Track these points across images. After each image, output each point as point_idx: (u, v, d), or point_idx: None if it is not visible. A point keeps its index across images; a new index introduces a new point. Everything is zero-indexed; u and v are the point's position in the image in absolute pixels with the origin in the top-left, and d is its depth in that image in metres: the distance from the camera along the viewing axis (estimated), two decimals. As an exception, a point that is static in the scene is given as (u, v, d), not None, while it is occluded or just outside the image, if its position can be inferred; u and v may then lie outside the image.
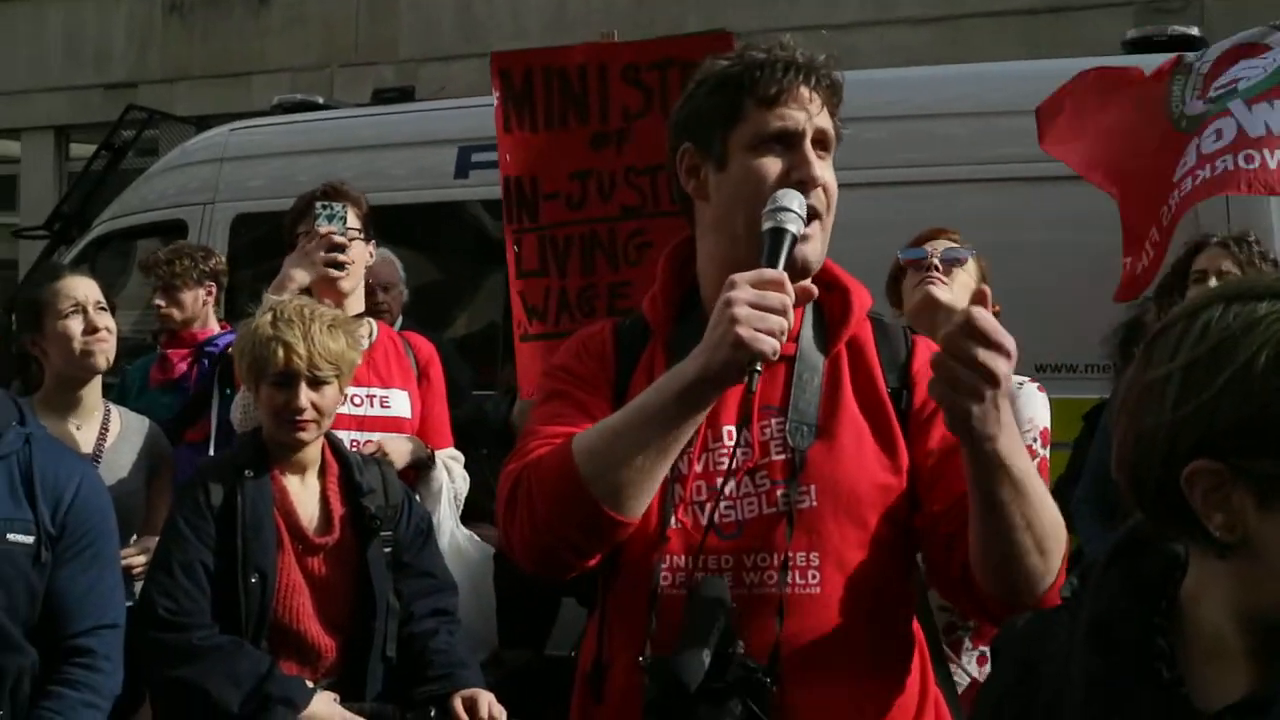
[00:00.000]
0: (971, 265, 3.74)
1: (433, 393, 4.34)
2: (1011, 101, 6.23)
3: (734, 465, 2.17)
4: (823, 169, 2.17)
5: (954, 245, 3.73)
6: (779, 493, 2.16)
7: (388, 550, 3.45)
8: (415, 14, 13.82)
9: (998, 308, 3.78)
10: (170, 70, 14.85)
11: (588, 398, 2.25)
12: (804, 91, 2.17)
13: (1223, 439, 1.27)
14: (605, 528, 2.08)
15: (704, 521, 2.15)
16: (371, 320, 4.29)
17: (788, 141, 2.16)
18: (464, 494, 4.28)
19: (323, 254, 4.04)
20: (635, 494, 2.06)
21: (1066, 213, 5.58)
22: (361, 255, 4.20)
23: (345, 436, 3.80)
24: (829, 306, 2.31)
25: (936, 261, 3.68)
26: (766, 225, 2.08)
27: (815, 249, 2.17)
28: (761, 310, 1.93)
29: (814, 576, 2.13)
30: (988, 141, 6.14)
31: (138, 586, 3.76)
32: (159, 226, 8.31)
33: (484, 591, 4.15)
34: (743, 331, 1.91)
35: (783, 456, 2.18)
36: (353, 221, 4.15)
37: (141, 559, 3.90)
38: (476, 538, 4.40)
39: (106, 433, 4.10)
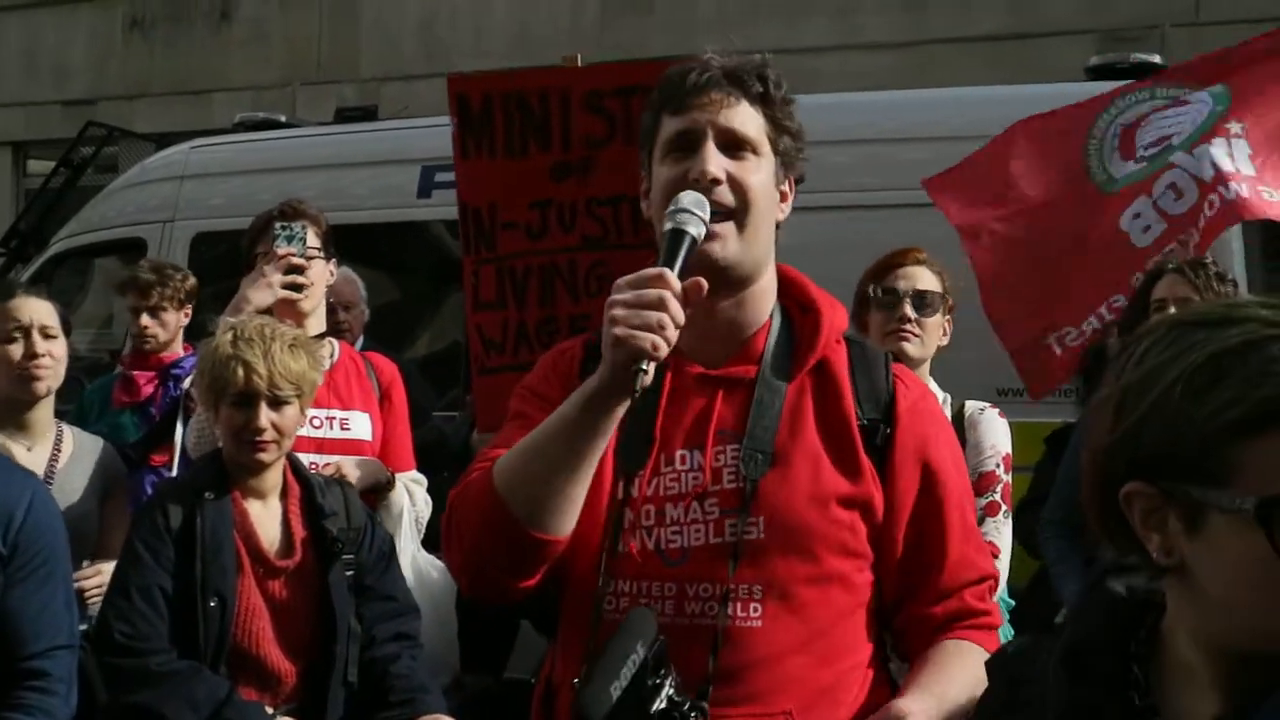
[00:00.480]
0: (940, 298, 3.79)
1: (395, 415, 4.29)
2: (975, 126, 6.27)
3: (682, 490, 2.15)
4: (725, 165, 2.13)
5: (925, 287, 3.77)
6: (727, 523, 2.12)
7: (350, 574, 3.41)
8: (377, 33, 13.81)
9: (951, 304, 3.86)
10: (130, 87, 14.77)
11: (543, 416, 2.20)
12: (713, 95, 2.15)
13: (1149, 462, 1.27)
14: (528, 546, 2.06)
15: (650, 547, 2.13)
16: (333, 340, 4.24)
17: (688, 145, 2.15)
18: (426, 517, 4.24)
19: (280, 276, 3.98)
20: (552, 510, 2.04)
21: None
22: (322, 275, 4.15)
23: (304, 459, 3.76)
24: (800, 328, 2.26)
25: (908, 310, 3.71)
26: (665, 226, 2.05)
27: (730, 247, 2.13)
28: (636, 307, 1.91)
29: (755, 610, 2.09)
30: (951, 165, 6.17)
31: (93, 608, 3.72)
32: (117, 244, 8.26)
33: (446, 616, 4.11)
34: (619, 331, 1.90)
35: (734, 485, 2.13)
36: (313, 240, 4.11)
37: (94, 581, 3.85)
38: (439, 562, 4.37)
39: (59, 454, 4.05)
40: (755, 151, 2.17)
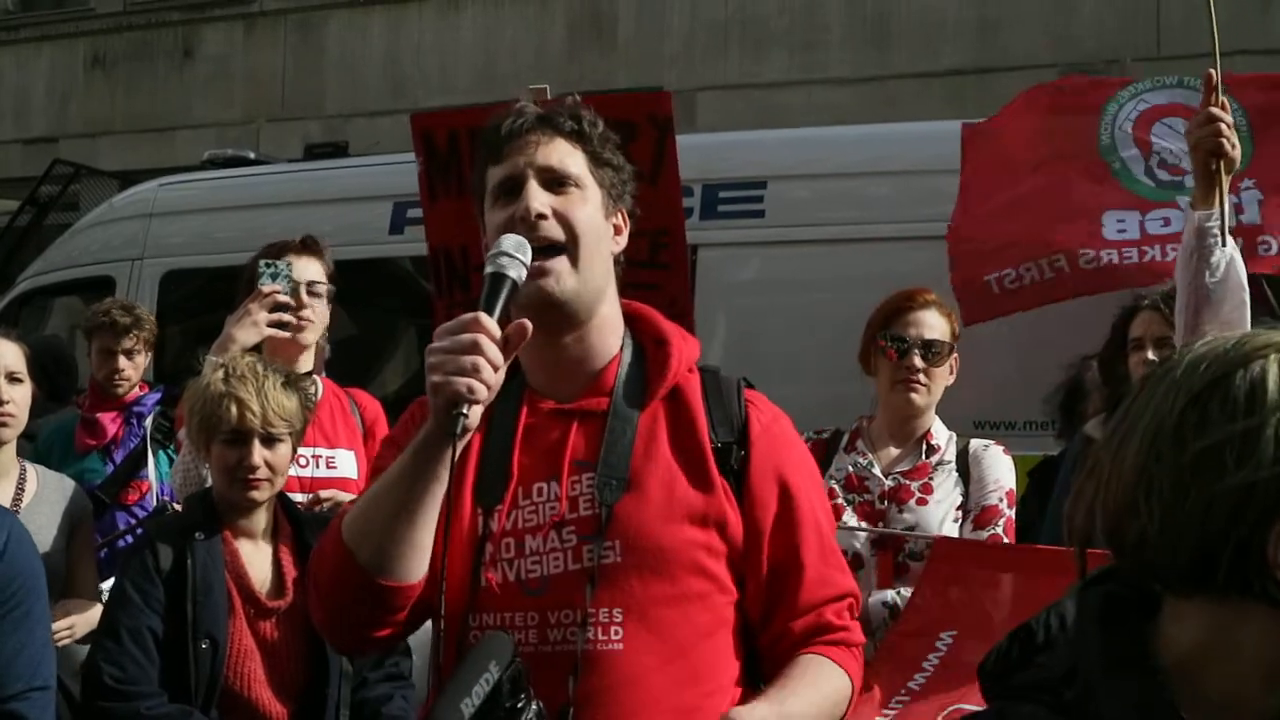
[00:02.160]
0: (949, 345, 3.82)
1: None
2: (939, 161, 6.33)
3: (539, 520, 2.19)
4: (549, 201, 2.19)
5: (934, 335, 3.79)
6: (584, 548, 2.15)
7: (341, 614, 3.40)
8: (342, 69, 13.82)
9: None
10: (92, 125, 14.71)
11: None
12: (530, 138, 2.23)
13: None
14: (378, 594, 2.08)
15: (511, 578, 2.17)
16: (317, 378, 4.22)
17: (512, 187, 2.21)
18: None
19: (266, 314, 3.96)
20: (395, 556, 2.06)
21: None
22: (323, 310, 4.13)
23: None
24: (652, 360, 2.31)
25: (918, 361, 3.75)
26: (486, 270, 2.08)
27: (566, 282, 2.18)
28: (451, 353, 1.93)
29: (616, 633, 2.13)
30: (914, 200, 6.24)
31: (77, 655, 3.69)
32: (85, 283, 8.19)
33: (431, 654, 4.11)
34: (435, 378, 1.92)
35: (590, 511, 2.17)
36: (318, 275, 4.10)
37: (63, 624, 3.81)
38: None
39: (23, 493, 4.02)
40: (578, 185, 2.24)
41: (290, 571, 3.39)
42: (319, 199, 7.44)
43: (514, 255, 2.08)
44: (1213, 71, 3.33)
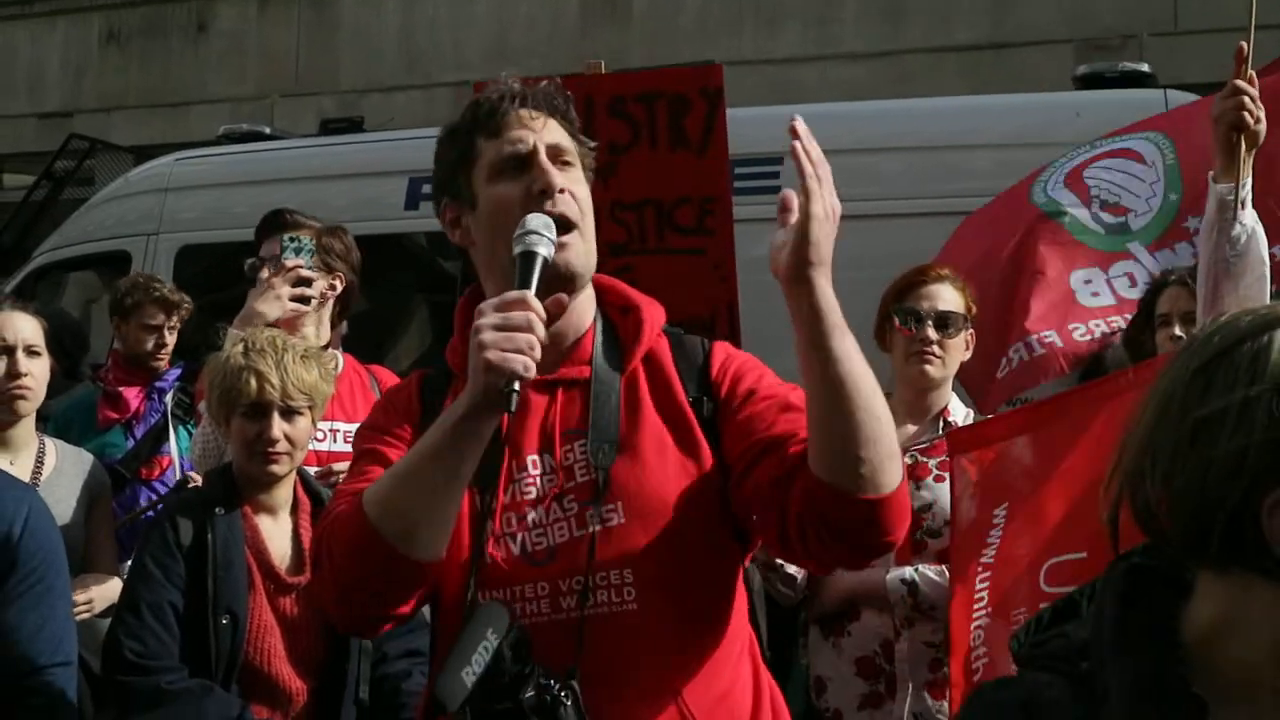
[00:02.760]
0: (963, 317, 3.83)
1: None
2: (952, 136, 6.33)
3: (539, 492, 2.22)
4: (565, 178, 2.25)
5: (947, 307, 3.81)
6: (587, 514, 2.19)
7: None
8: (356, 44, 13.78)
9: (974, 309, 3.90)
10: (106, 99, 14.69)
11: (391, 450, 2.28)
12: (525, 113, 2.27)
13: None
14: (402, 571, 2.09)
15: (516, 552, 2.19)
16: (337, 353, 4.24)
17: (521, 163, 2.25)
18: None
19: (289, 288, 3.99)
20: (425, 533, 2.08)
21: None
22: (320, 287, 4.15)
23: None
24: (622, 328, 2.37)
25: (931, 333, 3.76)
26: (516, 250, 2.13)
27: (578, 255, 2.25)
28: (506, 330, 1.97)
29: (630, 594, 2.17)
30: (929, 176, 6.22)
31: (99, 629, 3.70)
32: (101, 257, 8.22)
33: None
34: (491, 355, 1.95)
35: (588, 478, 2.22)
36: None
37: (81, 599, 3.83)
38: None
39: (42, 466, 4.03)
40: (573, 164, 2.31)
41: (310, 547, 3.38)
42: (334, 174, 7.45)
43: (543, 234, 2.13)
44: (1244, 44, 3.32)
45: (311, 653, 3.33)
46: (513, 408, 1.96)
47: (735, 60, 11.29)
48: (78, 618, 3.73)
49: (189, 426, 4.93)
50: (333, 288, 4.20)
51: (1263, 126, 3.34)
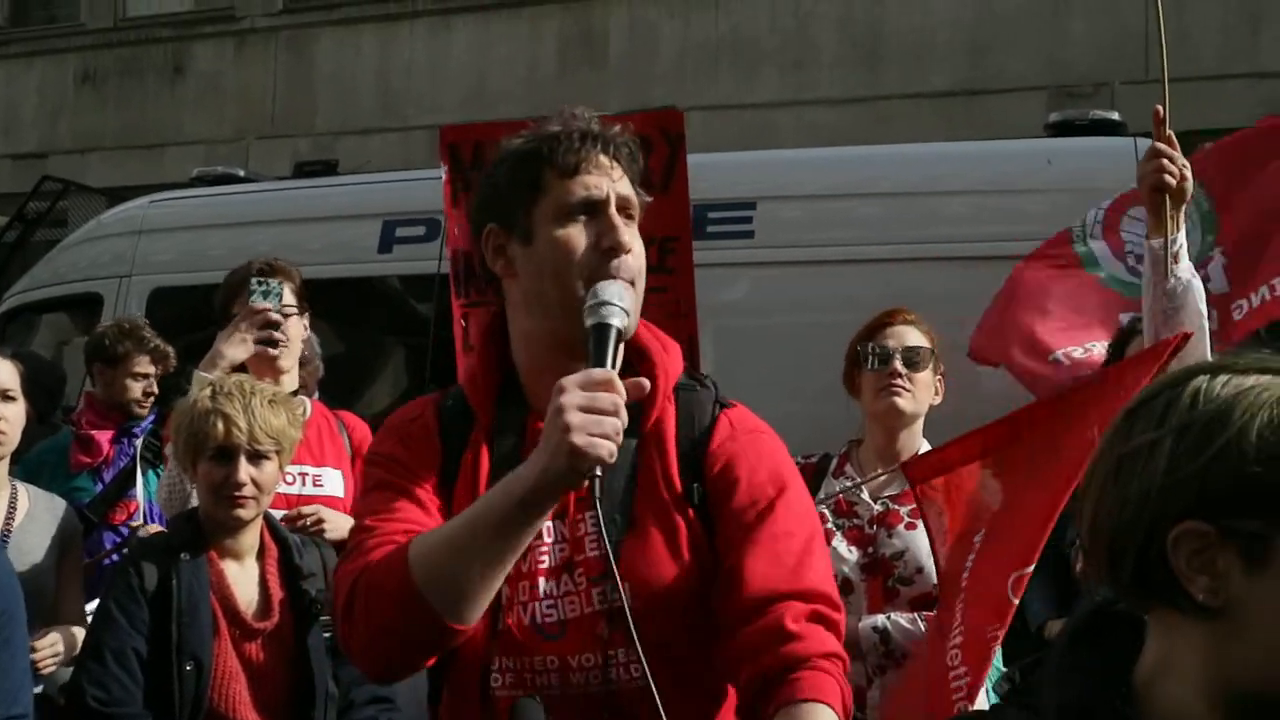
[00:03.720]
0: (931, 354, 3.86)
1: None
2: (926, 182, 6.36)
3: (551, 562, 2.15)
4: (629, 235, 2.17)
5: (915, 343, 3.83)
6: (595, 591, 2.13)
7: (327, 635, 3.36)
8: (333, 87, 13.81)
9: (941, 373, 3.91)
10: (82, 141, 14.67)
11: (417, 488, 2.20)
12: (603, 159, 2.16)
13: (1214, 501, 1.31)
14: (443, 637, 2.04)
15: (527, 622, 2.14)
16: (305, 398, 4.23)
17: (592, 210, 2.15)
18: None
19: (256, 331, 3.97)
20: (474, 603, 2.03)
21: (984, 290, 5.68)
22: (297, 331, 4.15)
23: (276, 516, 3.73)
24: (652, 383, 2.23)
25: (899, 366, 3.78)
26: (590, 321, 2.04)
27: (633, 316, 2.15)
28: (594, 414, 1.90)
29: (636, 670, 2.06)
30: (904, 221, 6.25)
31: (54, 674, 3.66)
32: (73, 299, 8.18)
33: (417, 679, 4.07)
34: (578, 439, 1.88)
35: (596, 552, 2.13)
36: (288, 297, 4.10)
37: (47, 653, 3.79)
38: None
39: (14, 512, 4.00)
40: (635, 218, 2.21)
41: (276, 593, 3.37)
42: (308, 217, 7.43)
43: (616, 304, 2.06)
44: (1159, 107, 3.40)
45: (277, 699, 3.31)
46: (598, 494, 1.92)
47: (711, 105, 11.38)
48: (43, 669, 3.69)
49: (158, 470, 4.90)
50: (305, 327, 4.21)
51: (1188, 184, 3.43)
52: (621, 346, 2.06)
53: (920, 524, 3.63)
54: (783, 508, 2.18)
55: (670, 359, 2.27)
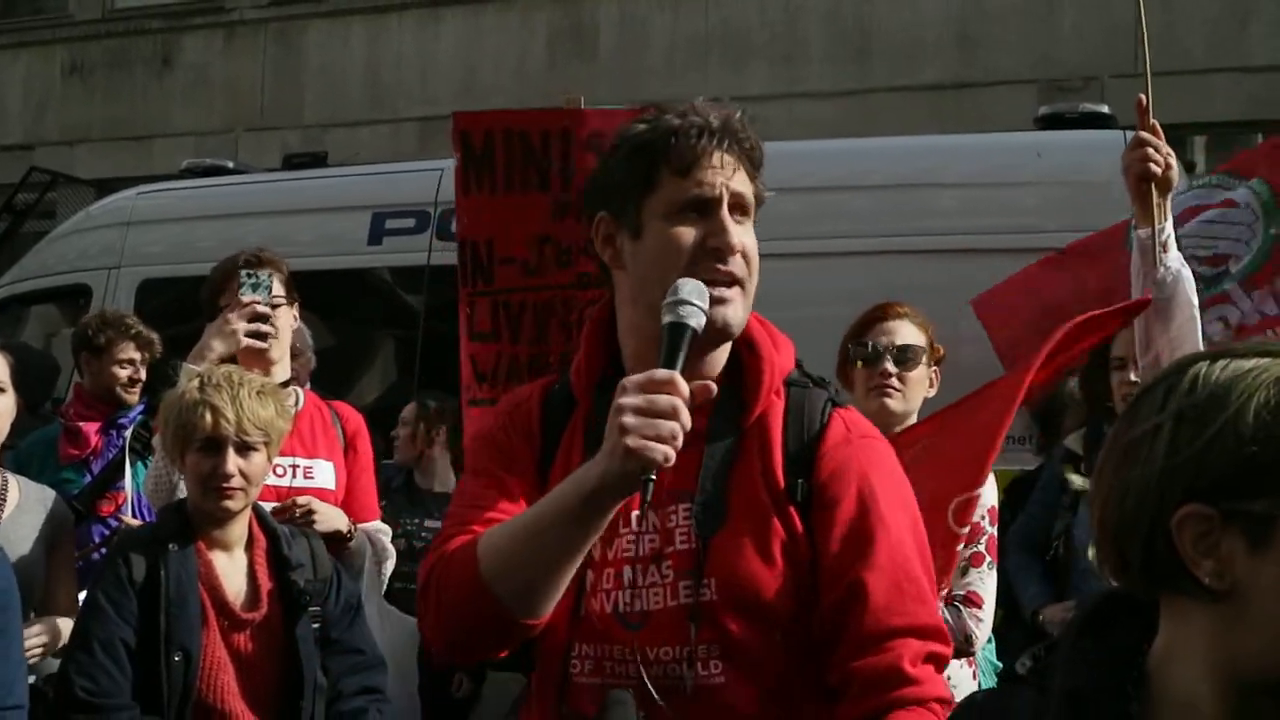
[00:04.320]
0: (924, 350, 3.80)
1: (359, 464, 4.26)
2: (917, 175, 6.38)
3: (638, 551, 2.12)
4: (740, 234, 2.11)
5: (906, 340, 3.78)
6: (681, 585, 2.09)
7: (316, 626, 3.37)
8: (322, 79, 13.78)
9: (941, 351, 3.89)
10: (69, 132, 14.61)
11: (509, 475, 2.20)
12: (719, 157, 2.10)
13: (1214, 484, 1.32)
14: (510, 630, 2.05)
15: (609, 610, 2.12)
16: (298, 388, 4.20)
17: (703, 209, 2.10)
18: (390, 569, 4.22)
19: (245, 324, 3.94)
20: (539, 598, 2.03)
21: (975, 283, 5.69)
22: (287, 322, 4.12)
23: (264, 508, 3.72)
24: (746, 373, 2.20)
25: (889, 366, 3.73)
26: (665, 319, 2.00)
27: (736, 313, 2.11)
28: (650, 416, 1.87)
29: (716, 667, 2.06)
30: (896, 214, 6.26)
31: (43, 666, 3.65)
32: (61, 291, 8.17)
33: (407, 670, 4.08)
34: (631, 442, 1.86)
35: (686, 546, 2.10)
36: (277, 288, 4.08)
37: (38, 642, 3.77)
38: (400, 614, 4.34)
39: (4, 503, 3.97)
40: (749, 215, 2.15)
41: (265, 583, 3.35)
42: (297, 209, 7.44)
43: (695, 304, 2.01)
44: (1143, 96, 3.40)
45: (266, 689, 3.29)
46: (649, 497, 1.88)
47: (702, 97, 11.35)
48: (33, 659, 3.68)
49: (146, 462, 4.88)
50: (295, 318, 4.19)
51: (1173, 173, 3.40)
52: (689, 346, 1.98)
53: None
54: (899, 526, 2.13)
55: (780, 355, 2.22)
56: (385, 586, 4.20)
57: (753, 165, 2.16)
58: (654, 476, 1.88)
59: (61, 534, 4.07)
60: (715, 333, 2.08)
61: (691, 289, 2.02)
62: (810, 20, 12.07)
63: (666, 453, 1.86)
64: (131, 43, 14.64)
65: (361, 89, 13.56)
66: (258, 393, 3.36)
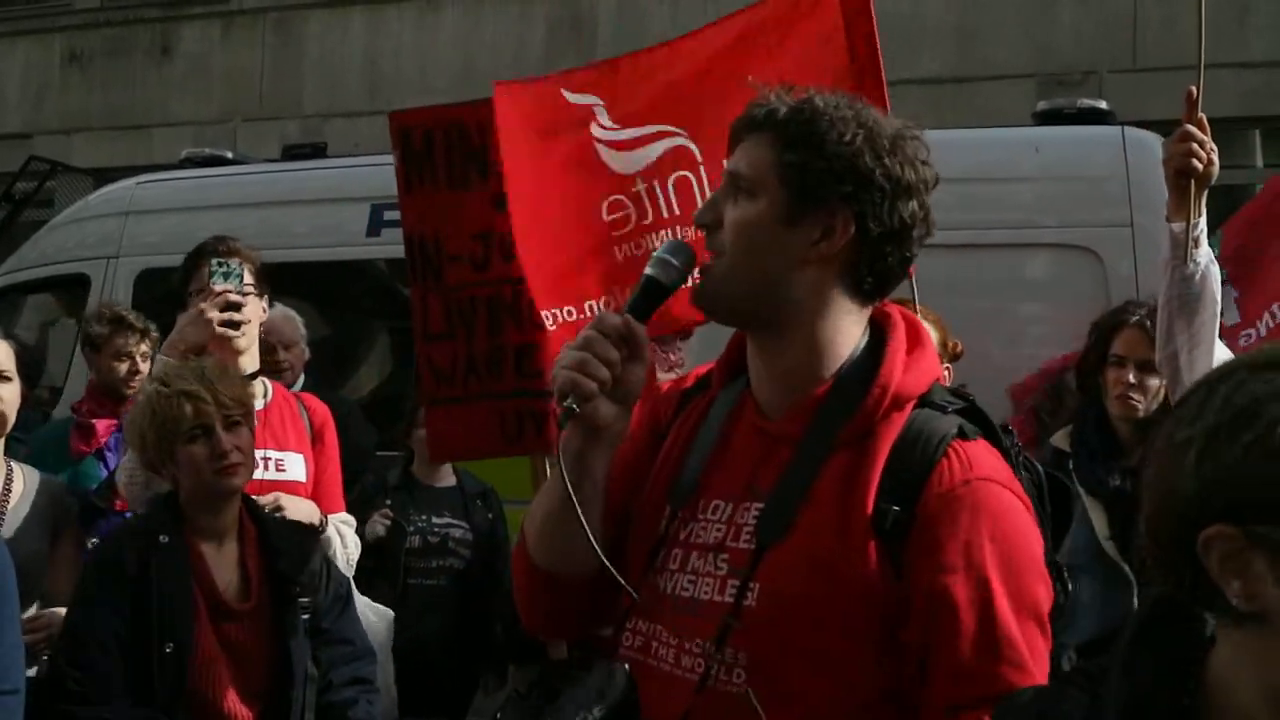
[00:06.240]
0: (937, 348, 3.75)
1: (326, 456, 4.26)
2: (917, 168, 6.35)
3: (709, 539, 2.07)
4: (723, 209, 2.06)
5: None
6: (730, 583, 2.01)
7: (306, 617, 3.38)
8: (321, 69, 13.76)
9: (959, 347, 3.86)
10: (68, 121, 14.59)
11: (621, 456, 2.19)
12: (740, 136, 2.09)
13: (1242, 504, 1.25)
14: (545, 583, 2.17)
15: (667, 590, 2.09)
16: (266, 381, 4.20)
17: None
18: (355, 559, 4.21)
19: (217, 313, 3.92)
20: (550, 548, 2.14)
21: (972, 278, 5.69)
22: (255, 311, 4.09)
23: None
24: (872, 385, 2.03)
25: None
26: (645, 270, 2.11)
27: (711, 284, 2.07)
28: (580, 350, 1.99)
29: (739, 675, 1.95)
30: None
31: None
32: (60, 280, 8.17)
33: (382, 660, 4.08)
34: (557, 372, 2.00)
35: (748, 545, 2.01)
36: (248, 278, 4.07)
37: (40, 636, 3.78)
38: (375, 604, 4.36)
39: (9, 492, 3.98)
40: (751, 190, 2.04)
41: (255, 574, 3.37)
42: (296, 200, 7.43)
43: (669, 259, 2.10)
44: (1194, 88, 3.33)
45: (258, 680, 3.30)
46: (564, 425, 1.98)
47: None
48: (42, 653, 3.68)
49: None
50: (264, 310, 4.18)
51: (1214, 169, 3.33)
52: (655, 298, 2.09)
53: None
54: (1006, 581, 1.91)
55: (909, 376, 2.04)
56: (352, 575, 4.18)
57: (778, 136, 2.04)
58: (574, 406, 1.96)
59: (65, 525, 4.08)
60: (698, 304, 2.12)
61: (670, 247, 2.11)
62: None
63: (575, 379, 1.96)
64: (130, 32, 14.61)
65: (360, 79, 13.53)
66: (220, 373, 3.43)
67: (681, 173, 3.98)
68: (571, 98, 4.13)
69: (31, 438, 5.25)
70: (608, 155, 4.08)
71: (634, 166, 4.04)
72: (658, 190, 3.99)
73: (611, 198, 4.04)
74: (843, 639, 1.92)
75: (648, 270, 2.09)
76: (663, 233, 3.96)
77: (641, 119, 4.05)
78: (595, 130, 4.09)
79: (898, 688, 1.92)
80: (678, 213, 3.97)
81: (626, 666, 2.01)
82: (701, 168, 3.96)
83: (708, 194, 3.79)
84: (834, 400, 2.03)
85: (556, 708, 1.96)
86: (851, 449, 2.00)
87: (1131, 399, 4.11)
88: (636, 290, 2.08)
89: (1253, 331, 4.89)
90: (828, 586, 1.93)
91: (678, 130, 4.01)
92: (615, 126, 4.08)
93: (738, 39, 4.04)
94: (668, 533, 2.11)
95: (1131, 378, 4.09)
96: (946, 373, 3.82)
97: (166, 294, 7.23)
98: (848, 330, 2.08)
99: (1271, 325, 4.84)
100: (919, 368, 2.06)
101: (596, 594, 2.14)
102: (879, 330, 2.11)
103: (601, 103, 4.09)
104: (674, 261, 2.09)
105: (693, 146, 4.00)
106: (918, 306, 3.80)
